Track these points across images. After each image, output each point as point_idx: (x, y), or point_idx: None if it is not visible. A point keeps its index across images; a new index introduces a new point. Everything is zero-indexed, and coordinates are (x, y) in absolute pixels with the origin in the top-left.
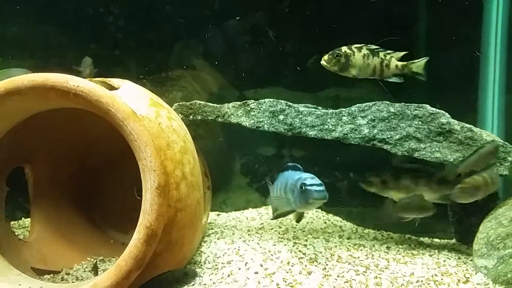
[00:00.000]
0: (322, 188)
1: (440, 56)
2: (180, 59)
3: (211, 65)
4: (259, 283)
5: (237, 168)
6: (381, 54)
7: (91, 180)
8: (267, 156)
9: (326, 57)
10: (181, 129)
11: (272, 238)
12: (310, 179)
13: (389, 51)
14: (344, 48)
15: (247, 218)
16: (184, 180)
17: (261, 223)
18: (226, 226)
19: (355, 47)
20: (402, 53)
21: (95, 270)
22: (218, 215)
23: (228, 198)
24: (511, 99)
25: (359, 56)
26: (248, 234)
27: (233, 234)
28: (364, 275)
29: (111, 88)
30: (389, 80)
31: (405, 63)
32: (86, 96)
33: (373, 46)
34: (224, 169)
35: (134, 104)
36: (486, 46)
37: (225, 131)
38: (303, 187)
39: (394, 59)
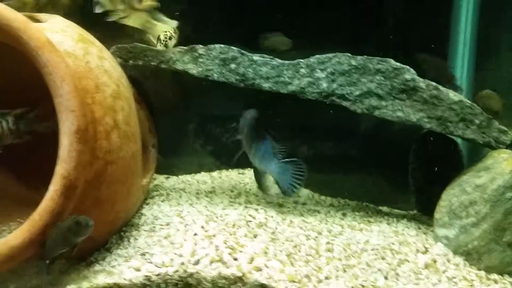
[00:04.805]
0: None
1: (409, 19)
2: None
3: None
4: (196, 244)
5: (191, 128)
6: None
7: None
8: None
9: None
10: (114, 70)
11: (222, 202)
12: None
13: None
14: None
15: (197, 182)
16: (116, 129)
17: (213, 187)
18: (174, 189)
19: None
20: None
21: None
22: (167, 178)
23: (181, 162)
24: (481, 61)
25: None
26: (197, 198)
27: (180, 197)
28: (315, 240)
29: (36, 21)
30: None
31: None
32: None
33: None
34: (176, 129)
35: (58, 38)
36: (457, 12)
37: (179, 86)
38: None
39: None
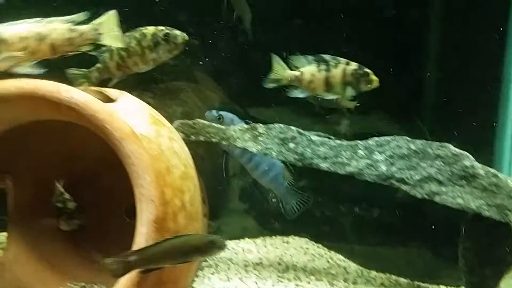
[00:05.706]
0: None
1: (453, 86)
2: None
3: (213, 79)
4: None
5: (235, 192)
6: None
7: (76, 197)
8: None
9: None
10: (182, 151)
11: (271, 277)
12: None
13: None
14: None
15: (243, 250)
16: (183, 210)
17: (259, 258)
18: (221, 258)
19: None
20: None
21: None
22: None
23: (223, 224)
24: None
25: None
26: (245, 270)
27: (228, 269)
28: None
29: (108, 99)
30: None
31: None
32: (80, 110)
33: None
34: (221, 193)
35: (132, 121)
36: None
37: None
38: None
39: None
